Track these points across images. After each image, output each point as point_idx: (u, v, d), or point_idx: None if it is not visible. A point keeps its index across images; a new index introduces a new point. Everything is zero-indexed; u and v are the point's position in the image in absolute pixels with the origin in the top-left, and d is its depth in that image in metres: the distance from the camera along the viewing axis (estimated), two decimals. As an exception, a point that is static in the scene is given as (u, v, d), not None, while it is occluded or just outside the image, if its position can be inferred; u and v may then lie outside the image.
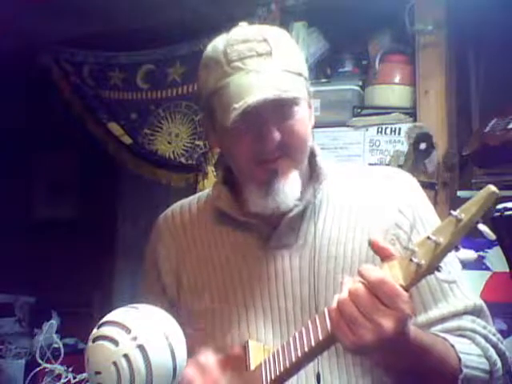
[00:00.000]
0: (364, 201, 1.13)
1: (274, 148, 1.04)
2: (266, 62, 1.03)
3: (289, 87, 1.03)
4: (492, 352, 1.05)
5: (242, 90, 1.01)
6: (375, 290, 0.83)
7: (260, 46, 1.04)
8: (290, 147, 1.06)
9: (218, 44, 1.08)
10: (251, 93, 1.00)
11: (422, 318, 1.06)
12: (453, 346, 0.99)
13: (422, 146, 2.18)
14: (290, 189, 1.06)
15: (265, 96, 1.00)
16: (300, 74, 1.07)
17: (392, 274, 0.84)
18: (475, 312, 1.09)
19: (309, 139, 1.10)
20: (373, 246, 0.88)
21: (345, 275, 1.05)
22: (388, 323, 0.82)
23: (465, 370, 0.97)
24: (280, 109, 1.04)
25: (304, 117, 1.08)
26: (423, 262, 0.83)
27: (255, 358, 1.03)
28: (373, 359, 0.94)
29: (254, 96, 1.00)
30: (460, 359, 0.98)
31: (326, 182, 1.13)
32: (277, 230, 1.11)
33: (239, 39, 1.05)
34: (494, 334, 1.08)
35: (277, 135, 1.04)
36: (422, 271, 0.83)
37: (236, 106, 1.00)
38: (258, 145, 1.04)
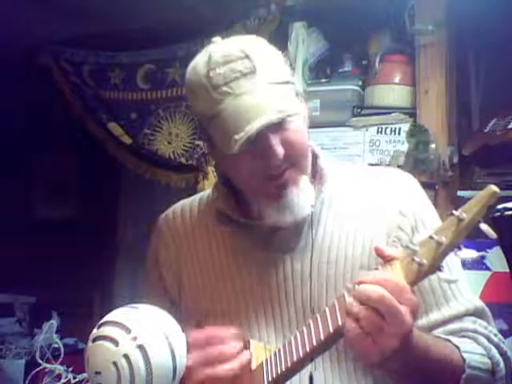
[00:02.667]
0: (365, 203, 1.13)
1: (280, 163, 1.03)
2: (252, 82, 1.00)
3: (283, 104, 1.01)
4: (494, 352, 1.05)
5: (239, 118, 0.99)
6: (387, 289, 0.83)
7: (243, 65, 1.01)
8: (295, 157, 1.05)
9: (198, 68, 1.05)
10: (249, 120, 0.98)
11: (423, 321, 1.06)
12: (457, 346, 0.99)
13: (422, 146, 2.18)
14: (303, 197, 1.06)
15: (264, 122, 0.98)
16: (287, 82, 1.05)
17: (393, 274, 0.85)
18: (476, 313, 1.09)
19: (308, 142, 1.09)
20: (377, 253, 0.89)
21: (346, 279, 1.06)
22: (406, 318, 0.83)
23: (468, 370, 0.98)
24: (278, 124, 1.02)
25: (300, 123, 1.07)
26: (425, 261, 0.83)
27: (257, 358, 1.02)
28: (382, 366, 0.93)
29: (254, 124, 0.98)
30: (464, 359, 0.98)
31: (328, 184, 1.12)
32: (278, 233, 1.10)
33: (220, 61, 1.02)
34: (495, 335, 1.08)
35: (280, 150, 1.02)
36: (424, 271, 0.84)
37: (237, 137, 0.98)
38: (263, 162, 1.03)
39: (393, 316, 0.83)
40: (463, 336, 1.05)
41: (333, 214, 1.12)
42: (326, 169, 1.13)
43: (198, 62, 1.06)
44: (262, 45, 1.08)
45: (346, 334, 0.86)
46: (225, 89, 1.00)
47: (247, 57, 1.02)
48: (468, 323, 1.07)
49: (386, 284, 0.83)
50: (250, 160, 1.03)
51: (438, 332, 1.05)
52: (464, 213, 0.81)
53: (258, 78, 1.01)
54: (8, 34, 2.71)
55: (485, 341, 1.05)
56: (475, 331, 1.06)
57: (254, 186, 1.07)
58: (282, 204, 1.05)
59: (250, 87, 1.00)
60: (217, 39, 1.08)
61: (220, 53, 1.03)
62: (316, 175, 1.12)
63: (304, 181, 1.06)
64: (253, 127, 0.98)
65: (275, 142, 1.02)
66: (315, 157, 1.14)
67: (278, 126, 1.02)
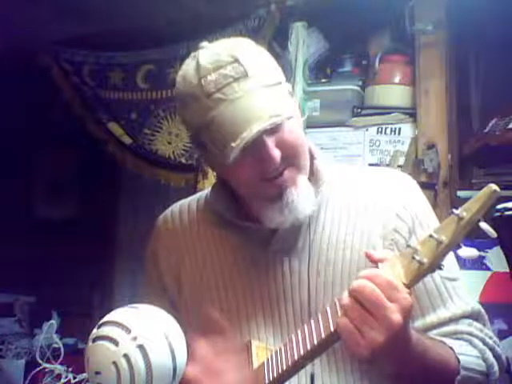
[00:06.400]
0: (363, 205, 1.12)
1: (277, 165, 1.02)
2: (245, 86, 0.99)
3: (278, 107, 1.00)
4: (489, 354, 1.06)
5: (235, 124, 0.98)
6: (378, 286, 0.84)
7: (234, 70, 1.00)
8: (292, 157, 1.05)
9: (189, 77, 1.04)
10: (245, 126, 0.97)
11: (419, 323, 1.06)
12: (452, 348, 0.99)
13: (422, 146, 2.18)
14: (303, 197, 1.05)
15: (261, 127, 0.97)
16: (279, 83, 1.05)
17: (393, 273, 0.85)
18: (473, 316, 1.09)
19: (304, 140, 1.08)
20: (368, 259, 0.90)
21: (343, 280, 1.06)
22: (393, 316, 0.83)
23: (462, 372, 0.98)
24: (273, 127, 1.01)
25: (294, 123, 1.06)
26: (425, 259, 0.84)
27: (258, 358, 1.03)
28: (377, 365, 0.93)
29: (250, 130, 0.97)
30: (459, 361, 0.98)
31: (326, 185, 1.12)
32: (277, 234, 1.10)
33: (210, 67, 1.01)
34: (490, 337, 1.09)
35: (277, 153, 1.01)
36: (424, 269, 0.84)
37: (233, 144, 0.97)
38: (261, 166, 1.02)
39: (378, 311, 0.83)
40: (458, 338, 1.05)
41: (330, 215, 1.12)
42: (322, 170, 1.12)
43: (188, 71, 1.05)
44: (251, 47, 1.07)
45: (338, 328, 0.86)
46: (218, 95, 0.99)
47: (237, 61, 1.01)
48: (464, 325, 1.07)
49: (376, 279, 0.84)
50: (248, 164, 1.03)
51: (433, 334, 1.05)
52: (464, 211, 0.82)
53: (251, 82, 1.00)
54: (8, 34, 2.71)
55: (480, 343, 1.05)
56: (470, 334, 1.06)
57: (253, 190, 1.07)
58: (283, 205, 1.04)
59: (244, 91, 0.99)
60: (204, 44, 1.08)
61: (209, 59, 1.02)
62: (313, 177, 1.12)
63: (303, 180, 1.06)
64: (249, 134, 0.97)
65: (271, 145, 1.01)
66: (312, 158, 1.14)
67: (273, 128, 1.01)
